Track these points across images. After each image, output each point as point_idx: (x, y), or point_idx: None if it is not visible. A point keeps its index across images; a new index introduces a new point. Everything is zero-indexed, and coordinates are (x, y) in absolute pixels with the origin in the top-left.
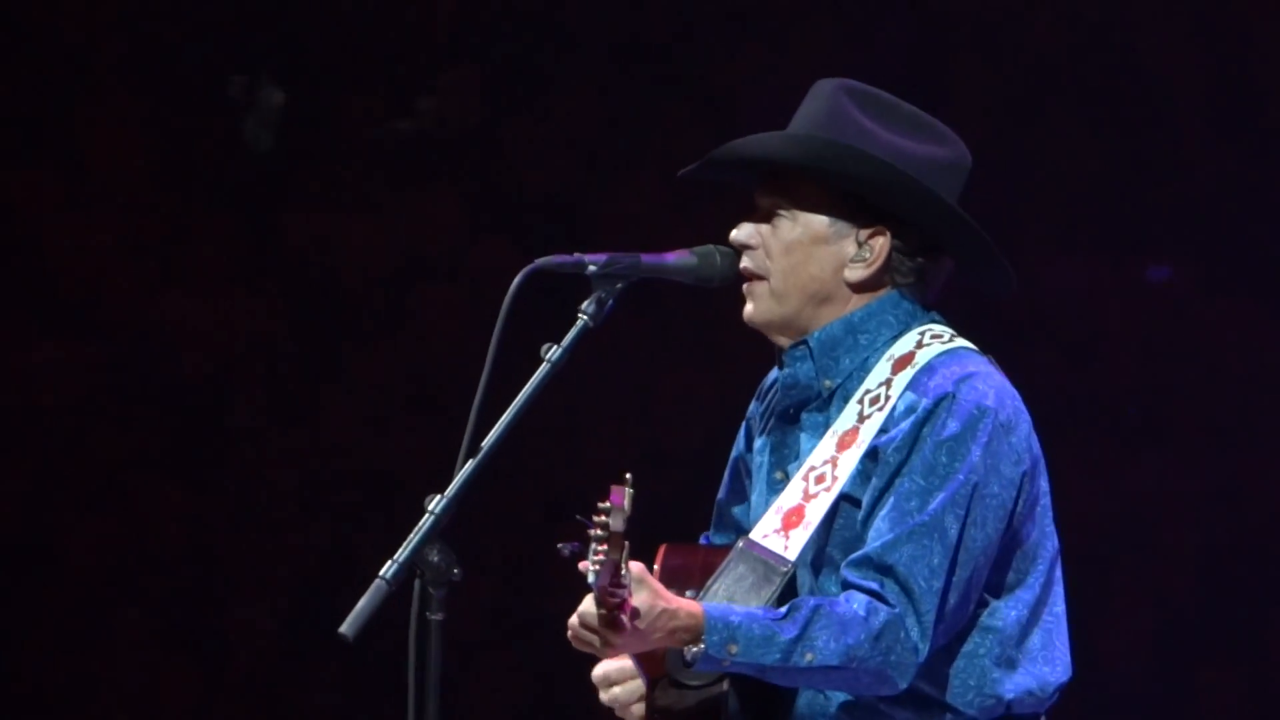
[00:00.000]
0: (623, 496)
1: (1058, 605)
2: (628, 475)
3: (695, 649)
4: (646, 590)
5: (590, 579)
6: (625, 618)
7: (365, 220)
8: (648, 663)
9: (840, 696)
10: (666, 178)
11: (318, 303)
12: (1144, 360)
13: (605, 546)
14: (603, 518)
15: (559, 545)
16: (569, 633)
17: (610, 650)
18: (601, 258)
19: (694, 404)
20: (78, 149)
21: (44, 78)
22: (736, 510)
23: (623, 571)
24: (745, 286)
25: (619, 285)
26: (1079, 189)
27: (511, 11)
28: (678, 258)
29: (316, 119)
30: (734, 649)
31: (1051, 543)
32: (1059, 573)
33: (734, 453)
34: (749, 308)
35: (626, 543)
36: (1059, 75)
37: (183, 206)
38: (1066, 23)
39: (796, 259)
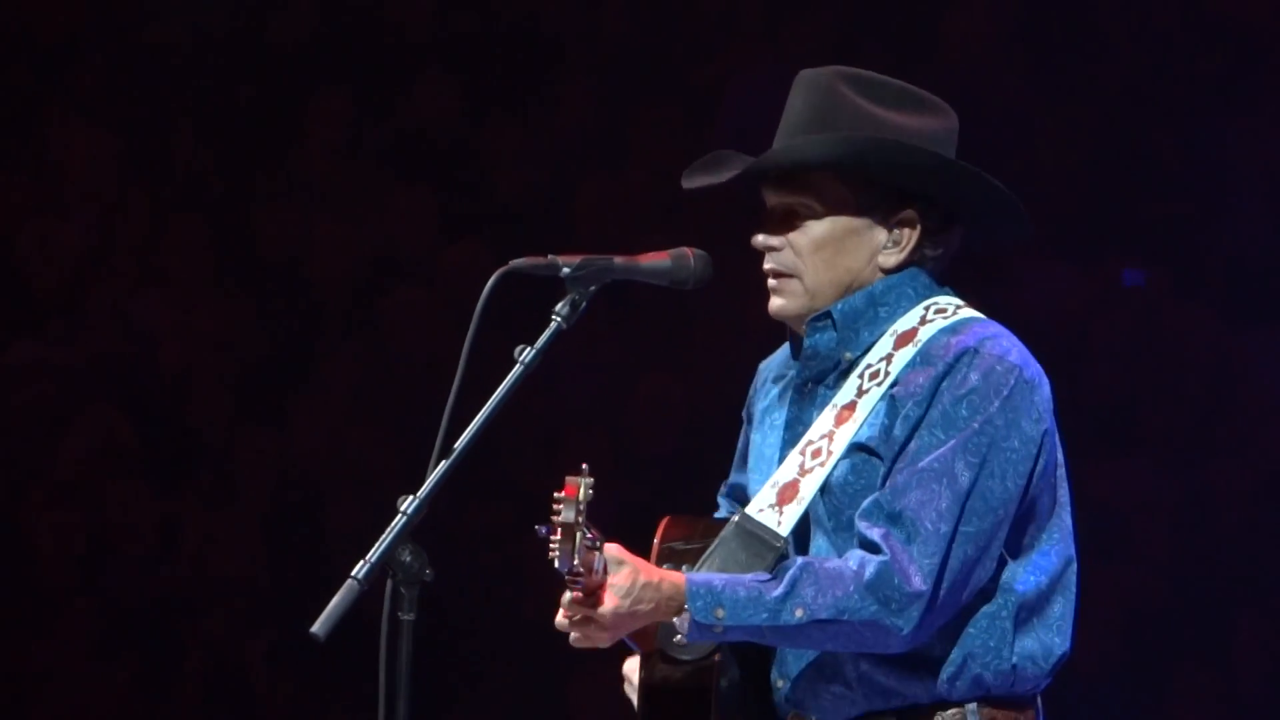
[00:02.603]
0: (577, 487)
1: (1075, 580)
2: (584, 465)
3: (684, 618)
4: (626, 568)
5: (556, 565)
6: (598, 605)
7: (339, 222)
8: (639, 638)
9: (841, 668)
10: (643, 180)
11: (291, 304)
12: (1116, 366)
13: (558, 537)
14: (557, 505)
15: (536, 526)
16: (557, 624)
17: (601, 635)
18: (575, 260)
19: (667, 406)
20: (52, 152)
21: (18, 81)
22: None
23: (575, 562)
24: (773, 283)
25: (592, 287)
26: (1053, 195)
27: (488, 15)
28: (651, 260)
29: (291, 120)
30: (721, 613)
31: (1069, 517)
32: (1074, 549)
33: (741, 440)
34: (779, 302)
35: (578, 532)
36: (1035, 84)
37: (156, 209)
38: (1035, 31)
39: (829, 255)
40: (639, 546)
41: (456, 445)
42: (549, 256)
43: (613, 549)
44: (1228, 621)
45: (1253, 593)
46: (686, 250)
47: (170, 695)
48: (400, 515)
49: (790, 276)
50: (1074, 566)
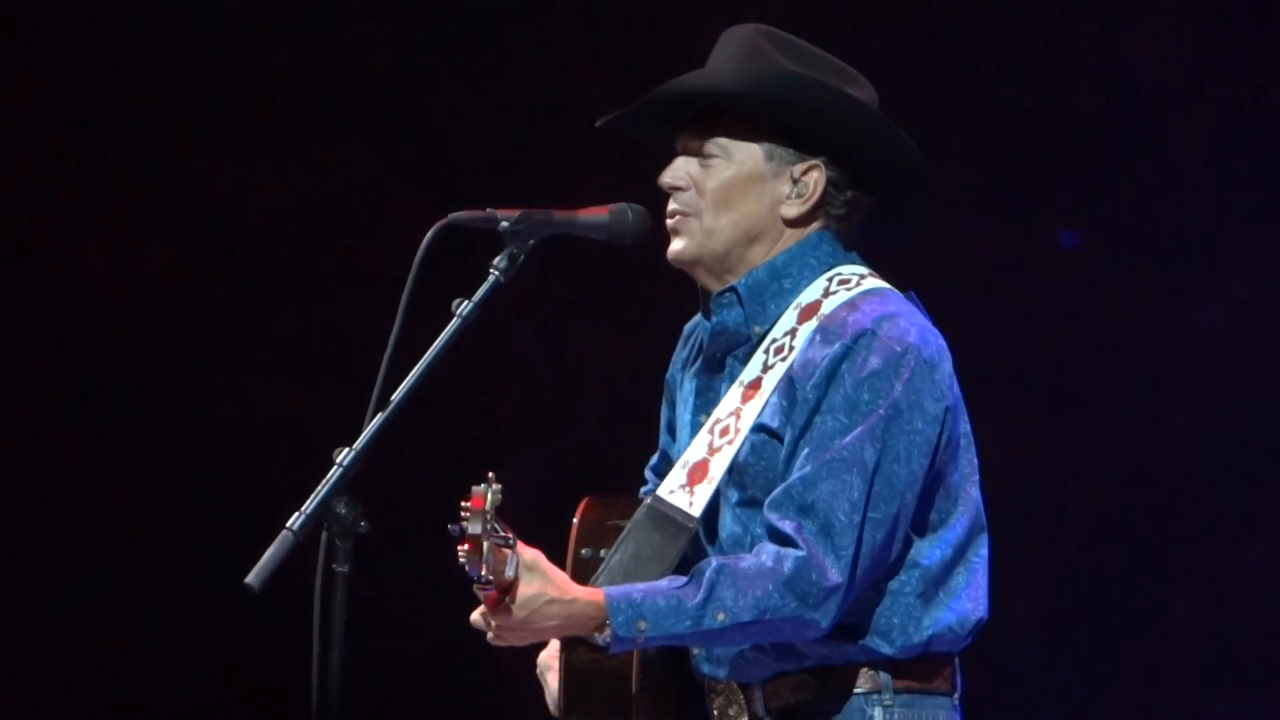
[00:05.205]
0: (483, 498)
1: (984, 549)
2: (490, 474)
3: (605, 634)
4: (538, 579)
5: (466, 571)
6: (506, 611)
7: (280, 173)
8: None
9: None
10: (585, 134)
11: (231, 254)
12: (1053, 326)
13: (466, 547)
14: (464, 516)
15: (449, 526)
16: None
17: (501, 641)
18: (514, 213)
19: (605, 362)
20: None
21: None
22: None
23: (483, 571)
24: (672, 223)
25: (531, 241)
26: (990, 153)
27: None
28: (590, 214)
29: (233, 69)
30: (643, 625)
31: (975, 488)
32: (984, 519)
33: (663, 412)
34: (677, 244)
35: (485, 542)
36: (977, 42)
37: (97, 156)
38: None
39: (732, 196)
40: (571, 502)
41: (393, 398)
42: (488, 210)
43: (529, 555)
44: (1163, 583)
45: (1187, 554)
46: (626, 205)
47: (101, 645)
48: (336, 467)
49: (690, 215)
50: (984, 536)
